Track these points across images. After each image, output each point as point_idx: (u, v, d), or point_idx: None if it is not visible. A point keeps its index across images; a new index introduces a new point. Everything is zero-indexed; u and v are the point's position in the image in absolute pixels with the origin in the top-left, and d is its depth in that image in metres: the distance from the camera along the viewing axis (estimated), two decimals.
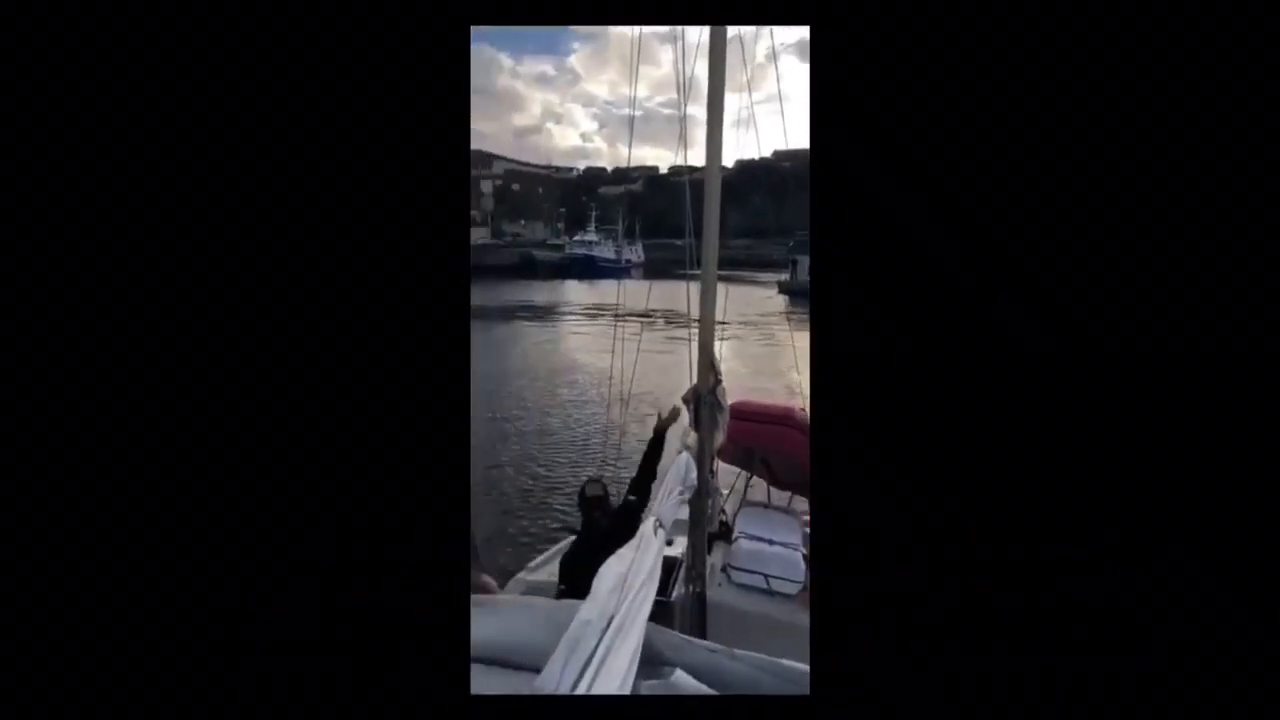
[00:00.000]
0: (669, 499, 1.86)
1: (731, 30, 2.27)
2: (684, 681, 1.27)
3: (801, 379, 4.69)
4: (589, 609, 1.10)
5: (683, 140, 3.16)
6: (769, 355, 13.88)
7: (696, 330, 2.41)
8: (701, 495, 2.44)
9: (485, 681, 0.93)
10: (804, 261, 32.97)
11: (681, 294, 2.72)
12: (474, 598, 1.09)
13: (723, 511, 3.37)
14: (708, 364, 2.39)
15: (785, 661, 1.50)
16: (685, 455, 2.18)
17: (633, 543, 1.40)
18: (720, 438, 2.41)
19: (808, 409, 4.08)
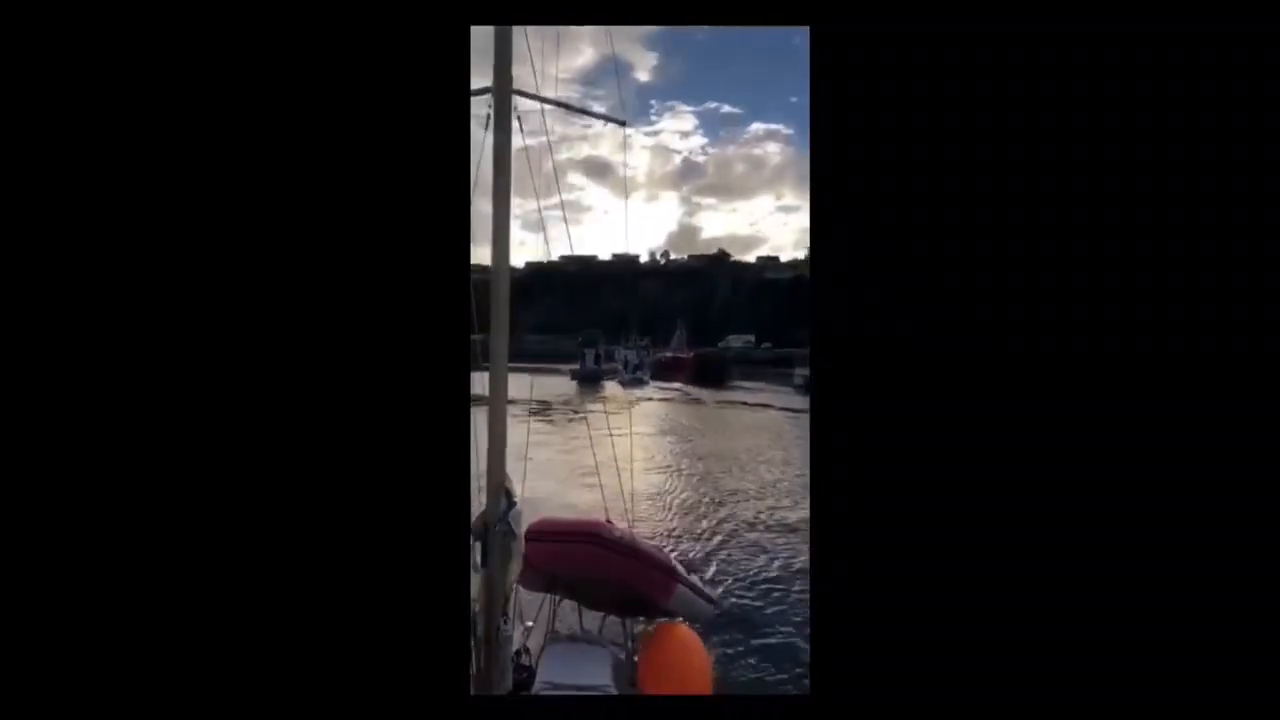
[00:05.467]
0: None
1: (516, 141, 2.38)
2: None
3: (598, 451, 4.28)
4: None
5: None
6: (577, 424, 16.27)
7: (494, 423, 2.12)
8: (491, 646, 2.03)
9: None
10: (589, 354, 40.67)
11: (481, 385, 2.47)
12: None
13: (526, 652, 2.96)
14: (498, 488, 2.01)
15: None
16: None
17: None
18: (516, 569, 2.12)
19: (615, 520, 3.40)
